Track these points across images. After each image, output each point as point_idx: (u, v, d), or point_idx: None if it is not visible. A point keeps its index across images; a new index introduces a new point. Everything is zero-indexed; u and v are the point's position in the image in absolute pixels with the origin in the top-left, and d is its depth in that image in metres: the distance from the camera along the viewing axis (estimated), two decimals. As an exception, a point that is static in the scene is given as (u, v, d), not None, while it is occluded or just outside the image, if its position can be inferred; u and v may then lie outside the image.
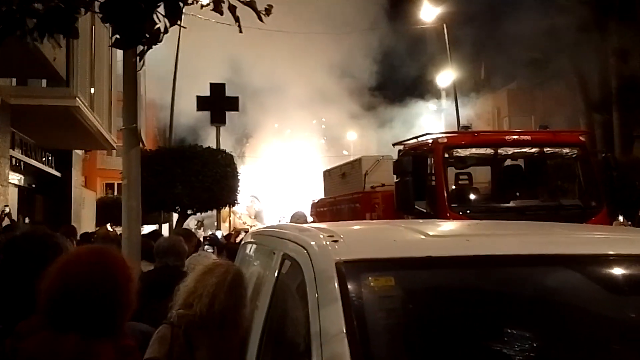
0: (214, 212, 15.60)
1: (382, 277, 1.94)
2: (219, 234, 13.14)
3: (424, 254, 2.00)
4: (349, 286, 1.89)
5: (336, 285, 1.90)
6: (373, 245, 2.20)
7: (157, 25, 3.01)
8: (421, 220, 5.55)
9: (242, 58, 33.05)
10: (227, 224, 24.33)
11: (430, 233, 2.32)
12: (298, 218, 7.05)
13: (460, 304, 1.95)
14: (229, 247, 8.60)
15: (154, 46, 3.08)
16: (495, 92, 31.36)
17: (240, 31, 3.09)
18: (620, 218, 12.42)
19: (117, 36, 3.02)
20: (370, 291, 1.91)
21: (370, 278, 1.93)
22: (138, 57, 3.28)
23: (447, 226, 3.26)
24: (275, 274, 2.67)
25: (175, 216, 14.49)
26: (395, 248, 2.10)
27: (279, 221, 23.89)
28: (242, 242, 4.31)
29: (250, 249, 3.84)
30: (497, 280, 2.03)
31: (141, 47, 3.12)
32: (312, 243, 2.24)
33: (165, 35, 3.26)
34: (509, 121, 29.35)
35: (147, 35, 3.00)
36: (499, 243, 2.20)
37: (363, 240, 2.33)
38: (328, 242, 2.16)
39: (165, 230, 17.48)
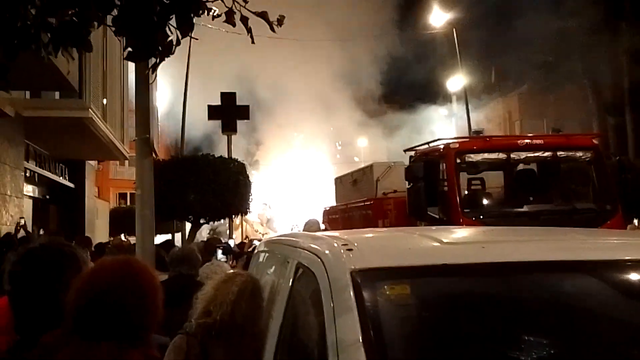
0: (227, 220, 15.66)
1: (397, 285, 1.93)
2: (231, 242, 13.17)
3: (439, 261, 2.00)
4: (364, 295, 1.89)
5: (351, 294, 1.90)
6: (387, 253, 2.20)
7: (170, 38, 3.04)
8: (435, 227, 5.52)
9: (251, 66, 33.23)
10: (239, 232, 24.42)
11: (445, 240, 2.31)
12: (311, 226, 7.06)
13: (477, 312, 1.94)
14: (249, 255, 8.63)
15: (166, 58, 3.11)
16: (506, 95, 31.27)
17: (253, 42, 3.11)
18: (635, 222, 12.29)
19: (130, 49, 3.06)
20: (385, 300, 1.91)
21: (385, 286, 1.93)
22: (150, 70, 3.31)
23: (462, 233, 3.25)
24: (290, 283, 2.67)
25: (188, 226, 14.55)
26: (410, 256, 2.10)
27: (292, 229, 23.93)
28: (255, 250, 4.32)
29: (264, 257, 3.85)
30: (514, 288, 2.02)
31: (154, 60, 3.16)
32: (327, 252, 2.24)
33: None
34: (520, 125, 29.22)
35: (160, 48, 3.03)
36: (515, 249, 2.19)
37: (377, 248, 2.33)
38: (342, 251, 2.16)
39: (177, 240, 17.57)
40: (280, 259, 3.14)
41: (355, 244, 2.21)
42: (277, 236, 4.67)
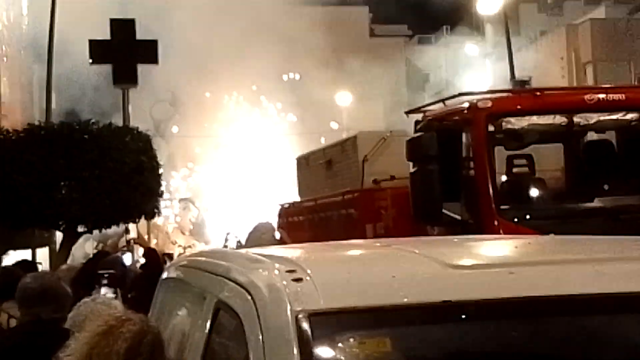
0: (122, 228, 15.54)
1: (371, 338, 1.95)
2: (127, 259, 12.93)
3: (438, 298, 2.01)
4: (317, 354, 1.90)
5: (296, 352, 1.90)
6: (358, 284, 2.19)
7: None
8: (446, 239, 5.54)
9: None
10: (148, 246, 24.35)
11: (454, 261, 2.32)
12: (263, 234, 7.04)
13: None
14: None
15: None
16: (571, 25, 31.60)
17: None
18: None
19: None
20: None
21: (352, 340, 1.94)
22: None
23: (486, 247, 3.26)
24: (205, 333, 2.68)
25: (59, 236, 14.42)
26: (393, 289, 2.10)
27: (226, 240, 23.67)
28: (162, 277, 4.33)
29: (173, 289, 3.85)
30: (559, 339, 2.03)
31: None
32: (260, 284, 2.25)
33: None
34: (593, 71, 29.58)
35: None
36: (562, 277, 2.20)
37: (343, 276, 2.30)
38: (285, 282, 2.16)
39: (42, 257, 17.35)
40: (196, 292, 3.14)
41: (309, 270, 2.21)
42: (195, 255, 4.65)
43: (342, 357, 1.92)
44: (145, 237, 24.45)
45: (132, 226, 10.73)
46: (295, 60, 37.18)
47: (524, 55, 26.82)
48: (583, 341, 2.06)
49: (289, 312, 2.01)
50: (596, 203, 8.58)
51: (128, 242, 9.27)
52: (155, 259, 7.99)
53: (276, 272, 2.30)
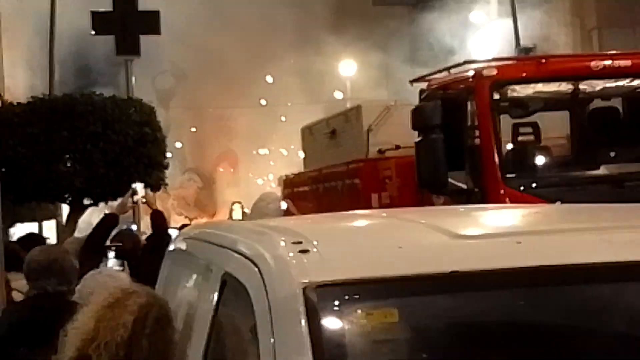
0: (129, 199, 15.54)
1: (379, 309, 1.95)
2: (134, 228, 12.94)
3: (445, 268, 2.00)
4: (324, 326, 1.90)
5: (303, 324, 1.90)
6: (365, 255, 2.19)
7: None
8: (452, 208, 5.54)
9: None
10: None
11: (461, 231, 2.32)
12: (269, 203, 6.96)
13: (505, 350, 1.96)
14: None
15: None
16: (576, -11, 31.33)
17: None
18: None
19: None
20: (360, 333, 1.93)
21: (359, 312, 1.94)
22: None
23: (493, 216, 3.27)
24: (213, 306, 2.68)
25: (66, 209, 14.44)
26: (400, 260, 2.10)
27: (231, 211, 23.68)
28: (168, 249, 4.35)
29: (179, 261, 3.86)
30: (567, 308, 2.05)
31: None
32: (267, 255, 2.25)
33: None
34: (598, 37, 29.39)
35: None
36: (569, 245, 2.20)
37: (349, 247, 2.32)
38: (292, 254, 2.16)
39: (49, 231, 17.43)
40: (202, 264, 3.15)
41: (315, 242, 2.22)
42: (201, 227, 4.66)
43: (350, 329, 1.93)
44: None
45: (139, 186, 10.74)
46: (298, 28, 37.01)
47: (528, 22, 26.65)
48: (590, 310, 2.07)
49: (295, 284, 2.01)
50: (602, 170, 8.57)
51: (135, 202, 9.30)
52: (163, 224, 7.92)
53: (282, 243, 2.31)
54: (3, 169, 10.82)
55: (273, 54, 37.43)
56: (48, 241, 10.27)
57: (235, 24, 36.12)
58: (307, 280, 2.01)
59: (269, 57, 37.68)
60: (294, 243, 2.22)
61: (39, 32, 24.72)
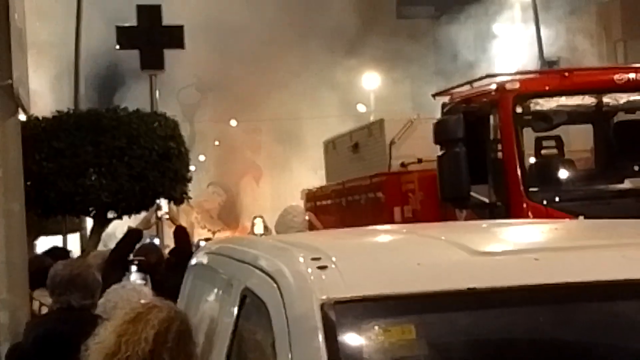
0: (154, 213, 15.57)
1: (396, 325, 1.95)
2: (157, 242, 12.95)
3: (463, 284, 2.01)
4: (342, 342, 1.91)
5: (321, 339, 1.91)
6: (383, 272, 2.19)
7: None
8: (472, 224, 5.52)
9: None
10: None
11: (479, 248, 2.32)
12: (295, 216, 6.95)
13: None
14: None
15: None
16: (601, 1, 31.15)
17: None
18: None
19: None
20: (377, 349, 1.93)
21: (377, 328, 1.95)
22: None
23: (512, 232, 3.24)
24: (233, 321, 2.69)
25: (90, 222, 14.48)
26: (418, 276, 2.10)
27: (253, 225, 23.60)
28: (190, 263, 4.36)
29: (201, 275, 3.87)
30: (585, 326, 2.05)
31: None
32: (285, 270, 2.26)
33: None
34: (624, 48, 29.19)
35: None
36: (588, 262, 2.19)
37: (367, 263, 2.31)
38: (310, 270, 2.17)
39: (73, 243, 17.49)
40: (223, 279, 3.16)
41: (334, 258, 2.22)
42: (223, 242, 4.67)
43: (367, 345, 1.93)
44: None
45: (163, 201, 10.77)
46: (322, 42, 37.06)
47: (552, 34, 26.53)
48: (610, 328, 2.05)
49: (314, 300, 2.02)
50: (626, 184, 8.50)
51: (159, 218, 9.30)
52: (185, 240, 7.94)
53: (301, 259, 2.31)
54: (29, 183, 10.89)
55: (296, 67, 37.49)
56: (71, 254, 10.30)
57: (259, 37, 36.23)
58: (325, 297, 2.02)
59: (293, 70, 37.74)
60: (313, 259, 2.23)
61: (65, 47, 24.96)
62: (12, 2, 5.44)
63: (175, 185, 12.85)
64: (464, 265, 2.18)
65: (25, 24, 7.51)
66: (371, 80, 38.34)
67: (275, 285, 2.23)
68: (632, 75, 8.82)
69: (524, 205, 7.99)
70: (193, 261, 4.30)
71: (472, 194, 8.27)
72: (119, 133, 12.41)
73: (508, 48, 30.21)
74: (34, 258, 7.82)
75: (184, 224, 11.52)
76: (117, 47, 17.80)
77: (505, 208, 8.06)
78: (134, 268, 6.80)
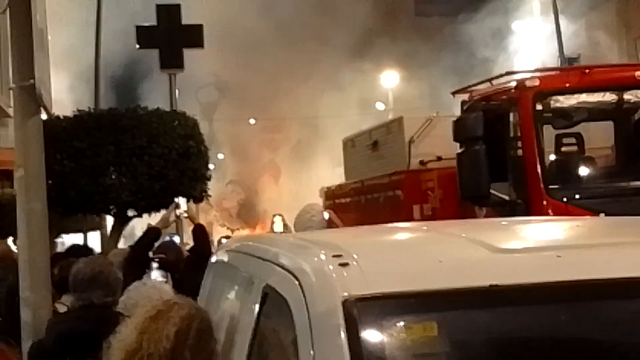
0: (172, 211, 15.63)
1: (418, 323, 1.95)
2: (176, 240, 12.95)
3: (485, 282, 2.00)
4: (363, 339, 1.91)
5: (343, 336, 1.91)
6: (404, 269, 2.19)
7: None
8: (493, 221, 5.51)
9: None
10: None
11: (501, 245, 2.31)
12: (313, 215, 7.01)
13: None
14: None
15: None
16: (621, -3, 30.96)
17: None
18: None
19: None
20: (399, 346, 1.93)
21: (399, 325, 1.95)
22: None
23: (533, 230, 3.24)
24: (254, 318, 2.70)
25: (110, 220, 14.55)
26: (440, 274, 2.10)
27: (272, 222, 23.82)
28: (210, 261, 4.37)
29: (221, 273, 3.88)
30: (607, 323, 2.03)
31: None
32: (307, 268, 2.26)
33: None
34: (644, 45, 28.99)
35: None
36: (610, 259, 2.18)
37: (389, 261, 2.32)
38: (332, 267, 2.17)
39: (94, 241, 17.54)
40: (244, 277, 3.16)
41: (355, 255, 2.22)
42: (243, 240, 4.68)
43: (389, 342, 1.93)
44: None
45: (182, 200, 10.80)
46: (341, 40, 37.04)
47: (572, 31, 26.42)
48: (632, 325, 2.04)
49: (335, 297, 2.02)
50: (649, 182, 8.46)
51: (178, 216, 9.34)
52: (205, 238, 7.97)
53: (323, 257, 2.32)
54: (50, 182, 10.94)
55: (315, 66, 37.48)
56: (93, 252, 10.35)
57: (278, 37, 36.26)
58: (347, 294, 2.02)
59: (312, 69, 37.73)
60: (334, 256, 2.23)
61: (85, 47, 25.09)
62: (33, 2, 5.46)
63: (194, 184, 12.87)
64: (486, 263, 2.18)
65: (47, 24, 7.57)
66: (390, 79, 38.35)
67: (297, 282, 2.24)
68: (653, 73, 8.79)
69: (544, 203, 7.96)
70: (213, 259, 4.31)
71: (492, 191, 8.25)
72: (139, 132, 12.43)
73: (527, 45, 30.11)
74: (65, 264, 7.83)
75: (202, 222, 11.52)
76: (137, 46, 17.87)
77: (525, 206, 8.03)
78: (154, 265, 6.82)
